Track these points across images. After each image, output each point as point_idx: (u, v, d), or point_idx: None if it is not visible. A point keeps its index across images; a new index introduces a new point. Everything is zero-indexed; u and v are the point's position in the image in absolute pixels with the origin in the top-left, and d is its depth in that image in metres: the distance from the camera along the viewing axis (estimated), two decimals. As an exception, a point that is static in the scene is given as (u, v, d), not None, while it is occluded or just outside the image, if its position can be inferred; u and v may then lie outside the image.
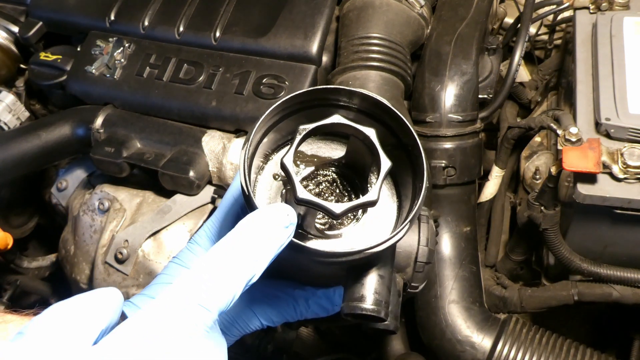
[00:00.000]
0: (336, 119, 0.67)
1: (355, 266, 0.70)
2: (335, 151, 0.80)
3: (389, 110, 0.71)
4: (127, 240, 1.31)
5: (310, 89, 0.71)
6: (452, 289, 1.27)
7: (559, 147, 1.15)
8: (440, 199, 1.31)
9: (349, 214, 0.75)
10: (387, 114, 0.72)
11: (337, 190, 0.77)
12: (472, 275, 1.29)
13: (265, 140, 0.76)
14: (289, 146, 0.66)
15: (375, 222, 0.75)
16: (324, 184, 0.78)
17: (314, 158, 0.79)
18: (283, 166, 0.64)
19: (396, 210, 0.76)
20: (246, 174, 0.66)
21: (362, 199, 0.64)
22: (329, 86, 0.71)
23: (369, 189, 0.67)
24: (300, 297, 0.81)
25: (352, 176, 0.78)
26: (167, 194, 1.35)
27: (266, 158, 0.78)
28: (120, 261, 1.30)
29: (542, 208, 1.25)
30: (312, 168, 0.78)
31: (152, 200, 1.36)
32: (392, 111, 0.70)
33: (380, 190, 0.64)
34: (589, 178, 1.12)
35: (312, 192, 0.72)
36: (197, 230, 0.86)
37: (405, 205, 0.67)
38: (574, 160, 1.10)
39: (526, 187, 1.48)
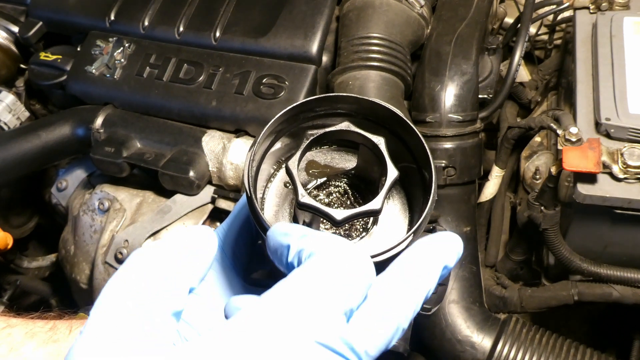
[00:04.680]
0: (344, 125, 0.66)
1: None
2: (349, 162, 0.79)
3: (402, 122, 0.69)
4: (127, 240, 1.31)
5: (323, 95, 0.70)
6: (452, 288, 1.26)
7: (559, 147, 1.15)
8: (440, 199, 1.31)
9: (358, 227, 0.75)
10: (400, 125, 0.70)
11: (348, 202, 0.76)
12: (472, 275, 1.29)
13: (278, 146, 0.75)
14: (295, 151, 0.65)
15: (385, 237, 0.73)
16: (334, 195, 0.77)
17: (326, 168, 0.78)
18: (287, 170, 0.64)
19: (407, 226, 0.75)
20: (250, 174, 0.66)
21: (365, 207, 0.63)
22: (340, 94, 0.70)
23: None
24: None
25: (364, 188, 0.77)
26: (167, 194, 1.35)
27: (279, 165, 0.78)
28: (120, 261, 1.30)
29: (542, 208, 1.25)
30: (324, 178, 0.77)
31: (152, 200, 1.36)
32: (405, 121, 0.69)
33: (384, 199, 0.63)
34: (589, 178, 1.12)
35: (322, 202, 0.72)
36: None
37: (417, 221, 0.66)
38: (574, 160, 1.10)
39: (526, 187, 1.48)
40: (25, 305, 1.88)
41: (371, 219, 0.75)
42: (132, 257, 0.53)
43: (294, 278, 0.52)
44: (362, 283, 0.53)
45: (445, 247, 0.60)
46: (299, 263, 0.55)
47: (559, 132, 1.18)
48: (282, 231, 0.60)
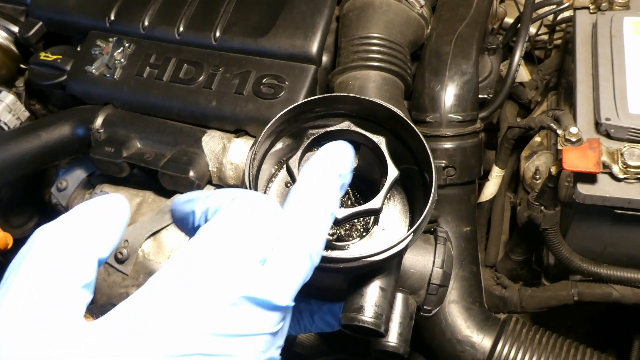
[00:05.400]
0: (345, 125, 0.67)
1: (357, 277, 0.69)
2: None
3: (403, 122, 0.70)
4: (127, 240, 1.31)
5: (323, 95, 0.71)
6: (452, 289, 1.26)
7: (559, 147, 1.15)
8: (440, 199, 1.31)
9: (359, 227, 0.75)
10: (401, 126, 0.70)
11: (349, 202, 0.77)
12: (472, 275, 1.29)
13: (279, 146, 0.75)
14: (296, 151, 0.65)
15: (386, 237, 0.74)
16: None
17: None
18: (288, 168, 0.64)
19: (408, 227, 0.75)
20: (250, 173, 0.66)
21: (365, 206, 0.63)
22: (341, 94, 0.71)
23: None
24: (304, 311, 0.79)
25: (365, 189, 0.77)
26: (167, 194, 1.35)
27: (280, 166, 0.78)
28: (120, 261, 1.30)
29: (542, 208, 1.25)
30: None
31: (152, 200, 1.36)
32: (405, 122, 0.69)
33: (384, 198, 0.63)
34: (589, 178, 1.12)
35: None
36: None
37: (417, 221, 0.66)
38: (574, 160, 1.10)
39: (526, 187, 1.48)
40: (25, 305, 1.88)
41: (372, 219, 0.75)
42: (35, 233, 0.51)
43: (204, 235, 0.51)
44: (272, 228, 0.53)
45: (332, 157, 0.59)
46: (207, 221, 0.54)
47: (559, 132, 1.18)
48: (186, 199, 0.58)
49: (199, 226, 0.55)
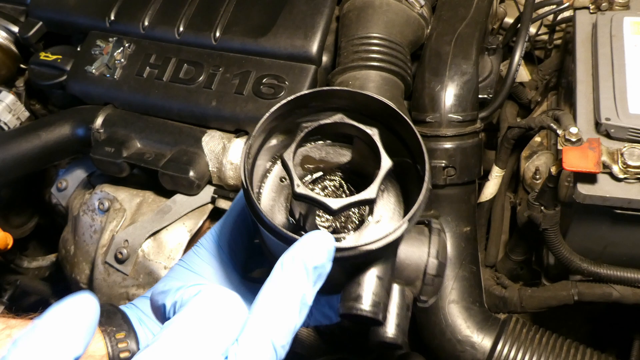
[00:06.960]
0: (338, 118, 0.67)
1: (354, 267, 0.69)
2: (343, 157, 0.79)
3: (395, 114, 0.70)
4: (127, 240, 1.31)
5: (317, 89, 0.71)
6: (452, 288, 1.26)
7: (559, 147, 1.15)
8: (440, 199, 1.31)
9: (354, 220, 0.75)
10: (394, 118, 0.71)
11: (343, 195, 0.77)
12: (472, 275, 1.29)
13: (273, 142, 0.75)
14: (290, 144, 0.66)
15: (381, 229, 0.74)
16: (330, 188, 0.77)
17: (321, 163, 0.79)
18: (283, 161, 0.64)
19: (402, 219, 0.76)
20: (246, 167, 0.66)
21: (359, 196, 0.63)
22: (334, 87, 0.71)
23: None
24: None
25: (359, 181, 0.78)
26: (167, 194, 1.35)
27: (274, 161, 0.78)
28: (120, 261, 1.30)
29: (542, 208, 1.25)
30: (320, 173, 0.78)
31: (152, 200, 1.36)
32: (398, 114, 0.69)
33: (379, 188, 0.64)
34: (589, 178, 1.12)
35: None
36: (205, 234, 0.85)
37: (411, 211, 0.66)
38: (574, 160, 1.10)
39: (526, 187, 1.48)
40: (25, 305, 1.88)
41: (367, 211, 0.75)
42: (13, 344, 0.53)
43: (164, 336, 0.54)
44: (233, 322, 0.55)
45: (309, 247, 0.60)
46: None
47: (559, 132, 1.18)
48: (160, 290, 0.62)
49: (169, 317, 0.58)
